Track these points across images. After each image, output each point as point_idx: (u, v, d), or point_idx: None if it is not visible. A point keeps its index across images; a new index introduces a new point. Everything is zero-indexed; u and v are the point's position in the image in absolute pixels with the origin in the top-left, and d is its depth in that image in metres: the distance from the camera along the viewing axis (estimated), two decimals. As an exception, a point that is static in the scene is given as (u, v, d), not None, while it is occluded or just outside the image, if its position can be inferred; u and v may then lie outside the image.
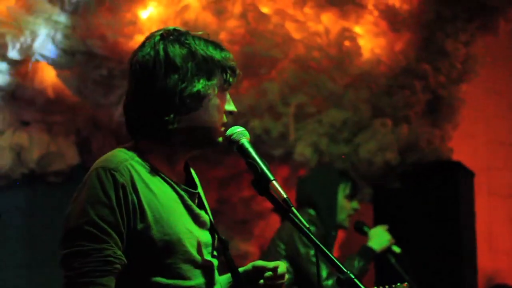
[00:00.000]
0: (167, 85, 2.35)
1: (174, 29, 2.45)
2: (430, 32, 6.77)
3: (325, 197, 4.99)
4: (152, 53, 2.39)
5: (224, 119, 2.45)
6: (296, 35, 6.54)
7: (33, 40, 6.43)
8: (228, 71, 2.42)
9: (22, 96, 7.04)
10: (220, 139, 2.46)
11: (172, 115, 2.34)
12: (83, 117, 7.35)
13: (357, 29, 6.72)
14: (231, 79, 2.43)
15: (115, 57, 6.33)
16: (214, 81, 2.39)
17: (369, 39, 6.76)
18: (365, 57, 6.69)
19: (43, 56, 6.44)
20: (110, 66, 6.41)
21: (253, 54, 6.28)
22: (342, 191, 5.05)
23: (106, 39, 6.20)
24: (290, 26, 6.53)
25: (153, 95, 2.36)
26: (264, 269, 2.56)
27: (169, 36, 2.42)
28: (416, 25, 6.74)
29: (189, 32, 2.46)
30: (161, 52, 2.38)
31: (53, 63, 6.51)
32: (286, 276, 2.59)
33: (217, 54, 2.40)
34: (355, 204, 5.11)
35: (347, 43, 6.59)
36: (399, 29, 6.75)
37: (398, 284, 3.06)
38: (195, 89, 2.35)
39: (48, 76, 6.90)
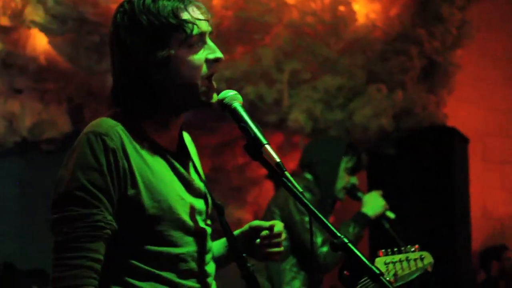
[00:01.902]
0: (126, 63, 2.33)
1: None
2: (425, -4, 6.74)
3: (327, 165, 4.96)
4: (111, 31, 2.39)
5: (204, 70, 2.35)
6: (290, 0, 6.48)
7: (24, 6, 6.37)
8: (186, 27, 2.31)
9: (14, 64, 6.99)
10: (214, 97, 2.39)
11: (141, 83, 2.32)
12: (75, 85, 7.31)
13: (352, -6, 6.66)
14: (194, 32, 2.33)
15: (107, 23, 6.21)
16: (170, 45, 2.31)
17: (363, 4, 6.70)
18: (359, 22, 6.64)
19: (34, 22, 6.36)
20: (102, 32, 6.33)
21: (246, 20, 6.22)
22: (345, 163, 5.02)
23: (98, 4, 6.13)
24: (284, -9, 6.47)
25: (120, 75, 2.37)
26: (260, 228, 2.54)
27: (123, 8, 2.37)
28: (411, -10, 6.69)
29: None
30: (115, 32, 2.37)
31: (45, 29, 6.44)
32: (283, 234, 2.57)
33: (167, 14, 2.30)
34: (353, 179, 5.09)
35: (341, 8, 6.53)
36: (394, -7, 6.70)
37: (408, 246, 3.05)
38: (152, 59, 2.30)
39: (40, 43, 6.85)
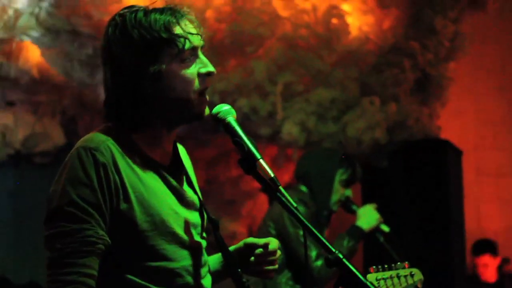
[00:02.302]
0: (117, 76, 2.32)
1: (122, 12, 2.37)
2: (418, 9, 6.74)
3: (322, 177, 4.95)
4: (103, 45, 2.38)
5: (196, 84, 2.34)
6: (284, 13, 6.48)
7: (16, 18, 6.36)
8: (178, 41, 2.30)
9: (7, 76, 6.99)
10: (207, 110, 2.37)
11: (133, 96, 2.31)
12: (69, 97, 7.32)
13: (345, 7, 6.67)
14: (186, 46, 2.32)
15: (100, 36, 6.20)
16: (162, 59, 2.30)
17: (357, 17, 6.71)
18: (353, 35, 6.65)
19: (27, 35, 6.36)
20: (95, 45, 6.34)
21: (240, 33, 6.22)
22: (340, 175, 5.00)
23: (91, 17, 6.13)
24: (277, 4, 6.47)
25: (112, 89, 2.35)
26: (255, 246, 2.52)
27: (114, 22, 2.36)
28: (404, 2, 6.70)
29: (137, 9, 2.35)
30: (107, 46, 2.35)
31: (38, 42, 6.44)
32: (278, 252, 2.55)
33: (159, 28, 2.29)
34: (348, 192, 5.07)
35: (334, 20, 6.54)
36: (387, 6, 6.71)
37: (398, 263, 3.05)
38: (144, 73, 2.29)
39: (33, 55, 6.85)
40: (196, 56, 2.37)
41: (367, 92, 6.61)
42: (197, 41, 2.36)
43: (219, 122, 2.38)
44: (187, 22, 2.36)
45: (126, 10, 2.36)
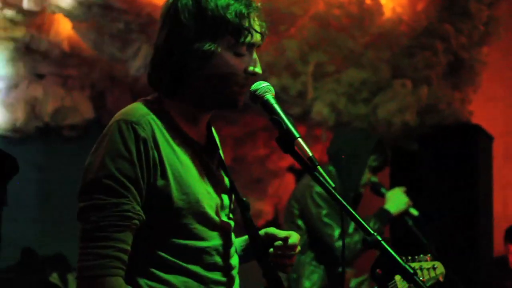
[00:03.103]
0: (171, 40, 2.30)
1: None
2: (452, -9, 6.66)
3: (354, 159, 4.93)
4: (170, 2, 2.35)
5: (241, 79, 2.34)
6: (317, -8, 6.43)
7: (49, -10, 6.36)
8: (242, 33, 2.30)
9: (37, 49, 7.00)
10: (236, 101, 2.36)
11: (174, 72, 2.30)
12: (98, 71, 7.32)
13: (379, -13, 6.60)
14: (247, 39, 2.32)
15: (132, 10, 6.25)
16: (220, 42, 2.29)
17: (390, -3, 6.65)
18: (386, 16, 6.58)
19: (59, 7, 6.35)
20: (127, 20, 6.33)
21: (272, 11, 6.16)
22: (371, 161, 4.99)
23: (124, -9, 6.13)
24: (311, -17, 6.42)
25: (161, 49, 2.33)
26: (275, 237, 2.50)
27: None
28: (439, -16, 6.62)
29: None
30: (172, 6, 2.33)
31: (69, 15, 6.43)
32: (298, 247, 2.51)
33: (230, 14, 2.28)
34: (374, 178, 5.06)
35: (368, 1, 6.48)
36: (422, -13, 6.64)
37: (421, 255, 3.04)
38: (197, 48, 2.27)
39: (64, 28, 6.85)
40: (250, 53, 2.37)
41: (398, 75, 6.55)
42: (257, 39, 2.36)
43: (257, 99, 2.37)
44: (256, 18, 2.36)
45: None
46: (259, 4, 2.39)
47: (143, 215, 2.21)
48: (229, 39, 2.30)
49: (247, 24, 2.31)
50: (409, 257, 3.05)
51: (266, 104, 2.36)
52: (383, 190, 5.06)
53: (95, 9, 6.30)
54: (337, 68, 6.53)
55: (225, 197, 2.43)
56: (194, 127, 2.38)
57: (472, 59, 6.87)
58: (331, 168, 4.96)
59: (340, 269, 4.82)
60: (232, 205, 2.48)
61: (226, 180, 2.47)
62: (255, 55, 2.39)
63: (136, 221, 2.20)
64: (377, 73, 6.50)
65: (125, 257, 2.18)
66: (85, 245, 2.17)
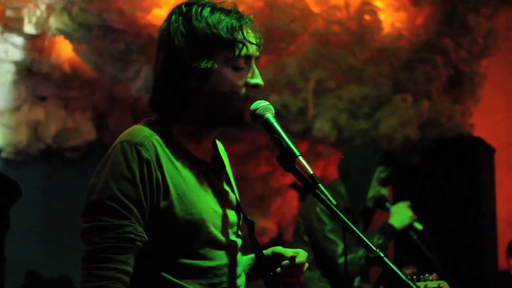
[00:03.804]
0: (168, 65, 2.30)
1: (190, 2, 2.37)
2: (451, 5, 6.68)
3: (361, 171, 4.92)
4: (162, 28, 2.35)
5: (243, 92, 2.33)
6: (316, 9, 6.46)
7: (49, 14, 6.39)
8: (236, 46, 2.29)
9: (39, 71, 7.03)
10: (241, 116, 2.35)
11: (175, 92, 2.29)
12: (100, 93, 7.34)
13: (378, 3, 6.63)
14: (242, 52, 2.30)
15: (132, 31, 6.27)
16: (216, 59, 2.29)
17: (389, 13, 6.67)
18: (385, 31, 6.61)
19: (59, 30, 6.38)
20: (127, 41, 6.36)
21: (272, 28, 6.20)
22: (378, 173, 4.98)
23: (123, 13, 6.15)
24: (309, 0, 6.44)
25: (160, 75, 2.33)
26: (282, 256, 2.48)
27: (180, 10, 2.35)
28: (437, -1, 6.65)
29: (204, 3, 2.35)
30: (165, 31, 2.33)
31: (70, 37, 6.46)
32: (306, 265, 2.49)
33: (222, 29, 2.28)
34: (383, 191, 5.05)
35: (367, 17, 6.50)
36: (420, 2, 6.66)
37: (426, 274, 3.03)
38: (195, 67, 2.27)
39: (65, 50, 6.88)
40: (249, 65, 2.35)
41: (399, 89, 6.57)
42: (254, 50, 2.34)
43: (257, 118, 2.36)
44: (249, 30, 2.34)
45: (194, 1, 2.35)
46: (251, 16, 2.38)
47: (145, 236, 2.21)
48: (225, 54, 2.29)
49: (240, 37, 2.30)
50: (414, 277, 3.04)
51: (266, 123, 2.35)
52: (387, 204, 5.05)
53: (95, 30, 6.33)
54: (338, 84, 6.55)
55: (232, 215, 2.42)
56: (199, 146, 2.38)
57: (472, 72, 6.90)
58: (339, 183, 4.96)
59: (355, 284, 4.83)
60: (240, 223, 2.47)
61: (233, 197, 2.45)
62: (254, 67, 2.37)
63: (139, 243, 2.19)
64: (377, 88, 6.51)
65: (127, 279, 2.17)
66: (87, 266, 2.17)
